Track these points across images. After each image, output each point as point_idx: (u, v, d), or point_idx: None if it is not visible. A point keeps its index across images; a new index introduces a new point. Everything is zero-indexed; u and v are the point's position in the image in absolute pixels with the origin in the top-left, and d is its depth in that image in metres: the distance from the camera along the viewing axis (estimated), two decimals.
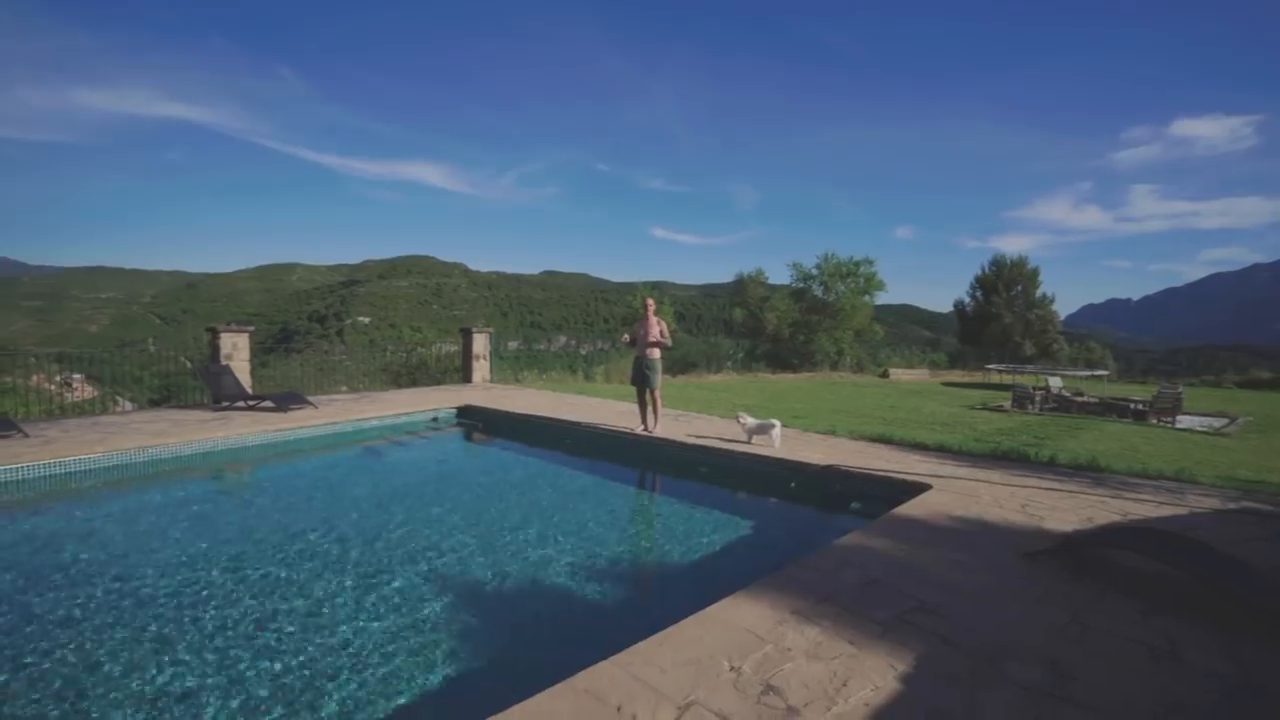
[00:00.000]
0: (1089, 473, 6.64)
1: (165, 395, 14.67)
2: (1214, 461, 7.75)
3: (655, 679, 2.59)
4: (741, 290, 30.43)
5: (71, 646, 3.35)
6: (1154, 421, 12.18)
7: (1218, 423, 12.19)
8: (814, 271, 28.34)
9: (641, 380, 8.21)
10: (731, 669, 2.69)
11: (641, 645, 2.84)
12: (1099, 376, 21.50)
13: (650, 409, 8.31)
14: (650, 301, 8.64)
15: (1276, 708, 2.60)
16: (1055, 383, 16.34)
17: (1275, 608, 3.29)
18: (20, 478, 6.16)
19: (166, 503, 5.98)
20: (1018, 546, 4.26)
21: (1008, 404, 14.32)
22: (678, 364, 21.94)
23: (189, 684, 3.04)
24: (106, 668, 3.16)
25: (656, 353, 8.13)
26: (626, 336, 8.51)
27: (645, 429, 8.35)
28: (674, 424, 8.95)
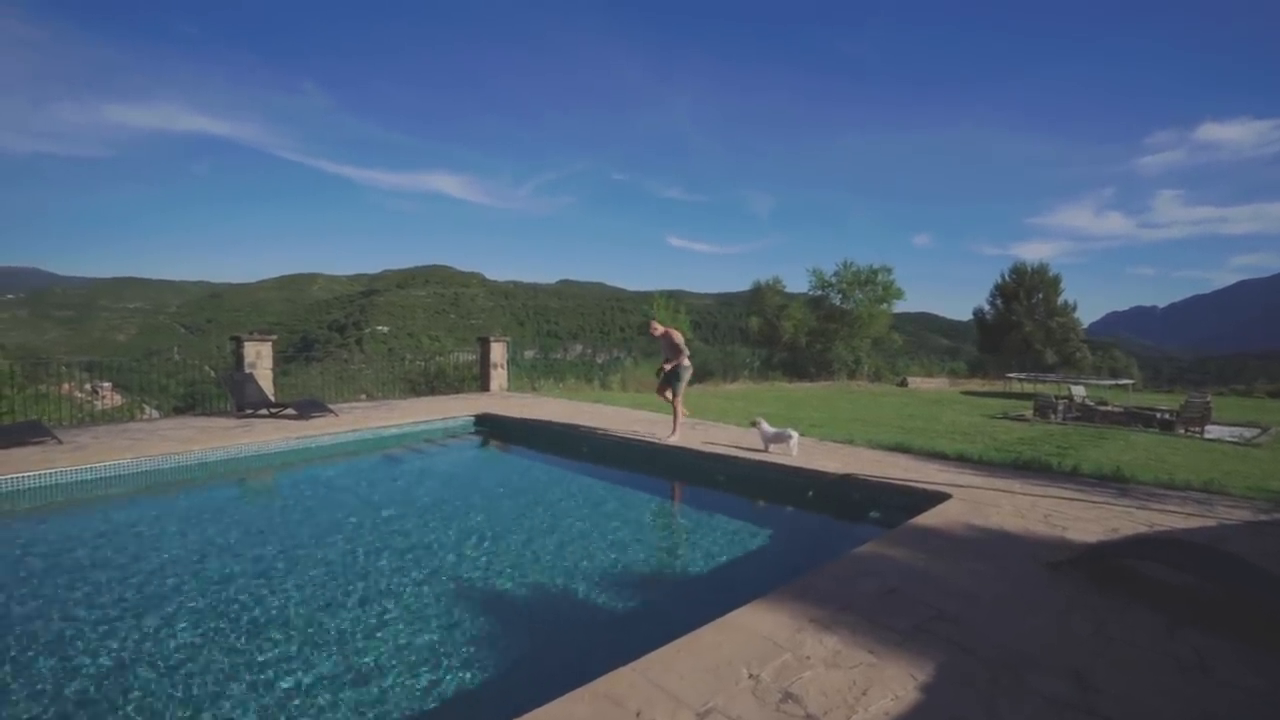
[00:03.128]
0: (1114, 483, 6.53)
1: (190, 403, 14.99)
2: (1245, 472, 7.59)
3: (674, 685, 2.60)
4: (758, 299, 30.39)
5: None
6: (1181, 432, 11.92)
7: (1249, 433, 11.90)
8: (832, 279, 28.24)
9: (663, 385, 8.47)
10: (750, 676, 2.69)
11: (660, 651, 2.85)
12: (1124, 386, 21.10)
13: (672, 415, 8.51)
14: (654, 324, 8.70)
15: None
16: (1079, 392, 16.08)
17: None
18: (55, 482, 6.33)
19: (196, 506, 6.12)
20: (1039, 557, 4.21)
21: (1029, 413, 14.12)
22: (694, 373, 21.92)
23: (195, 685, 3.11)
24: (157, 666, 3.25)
25: (673, 365, 8.27)
26: (668, 365, 8.41)
27: (664, 437, 8.44)
28: (690, 432, 8.95)
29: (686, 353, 8.30)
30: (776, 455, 7.35)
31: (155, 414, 12.78)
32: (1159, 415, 12.77)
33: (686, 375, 8.33)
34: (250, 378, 10.45)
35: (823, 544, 5.66)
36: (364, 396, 14.21)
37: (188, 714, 2.88)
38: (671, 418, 8.58)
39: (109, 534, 5.35)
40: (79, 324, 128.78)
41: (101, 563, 4.66)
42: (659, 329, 8.53)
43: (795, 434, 7.46)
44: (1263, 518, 5.33)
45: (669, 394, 8.40)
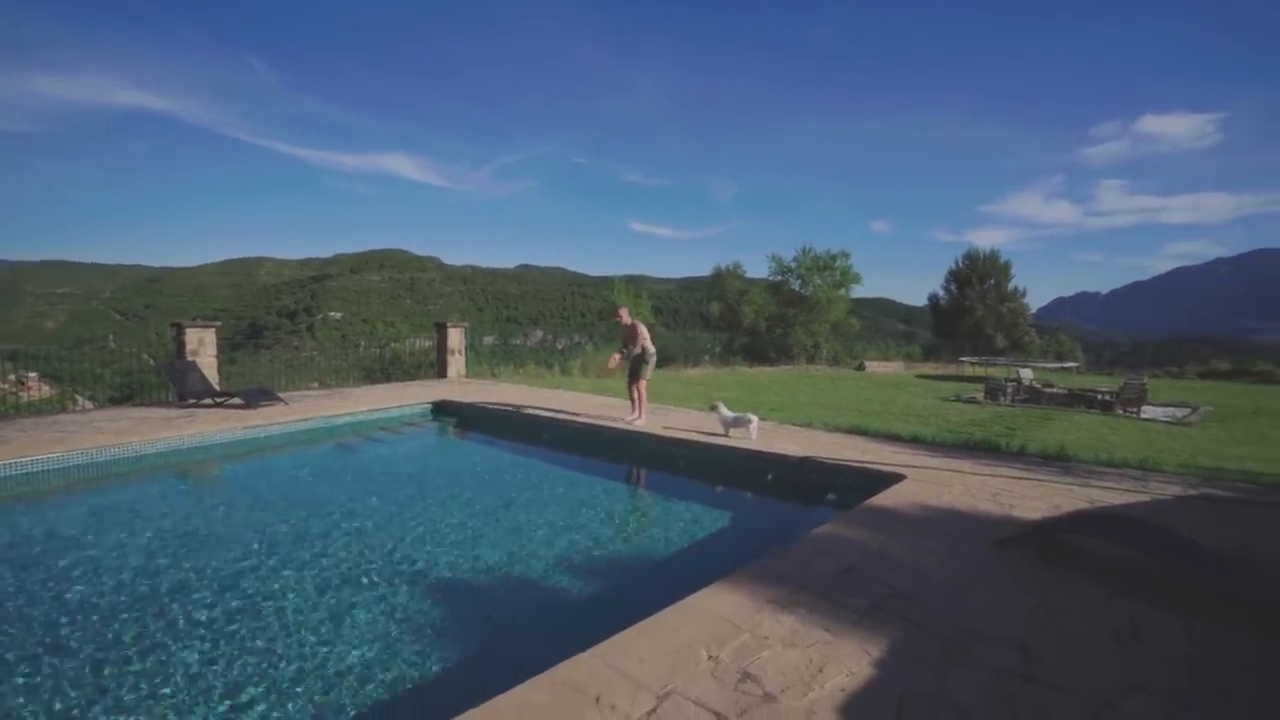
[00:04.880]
0: (1058, 462, 6.80)
1: (127, 393, 14.26)
2: (1176, 450, 8.00)
3: (634, 669, 2.58)
4: (719, 284, 30.55)
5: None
6: (1120, 412, 12.52)
7: (1180, 413, 12.57)
8: (792, 265, 28.55)
9: (632, 375, 8.61)
10: (710, 658, 2.70)
11: (620, 636, 2.84)
12: (1068, 369, 22.03)
13: (636, 401, 8.61)
14: (622, 311, 8.83)
15: (1233, 685, 2.69)
16: (1026, 375, 16.70)
17: (1233, 591, 3.41)
18: None
19: (129, 502, 5.82)
20: (988, 534, 4.35)
21: (980, 396, 14.61)
22: (656, 358, 21.94)
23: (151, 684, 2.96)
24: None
25: (635, 352, 8.49)
26: (618, 357, 8.80)
27: (631, 419, 8.54)
28: (651, 417, 8.95)
29: (648, 342, 8.46)
30: (736, 439, 7.41)
31: (89, 405, 12.13)
32: (1100, 397, 13.37)
33: (652, 362, 8.59)
34: (192, 366, 9.98)
35: (782, 526, 5.74)
36: (316, 385, 13.76)
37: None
38: (635, 401, 8.65)
39: (30, 533, 5.04)
40: (0, 310, 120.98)
41: (17, 564, 4.39)
42: (628, 319, 8.63)
43: (754, 418, 7.55)
44: (1191, 492, 5.63)
45: (638, 384, 8.55)
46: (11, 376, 14.71)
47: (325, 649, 3.30)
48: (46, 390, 14.99)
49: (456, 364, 14.54)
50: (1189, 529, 4.32)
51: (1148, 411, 12.44)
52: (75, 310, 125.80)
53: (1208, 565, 3.59)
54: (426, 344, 16.41)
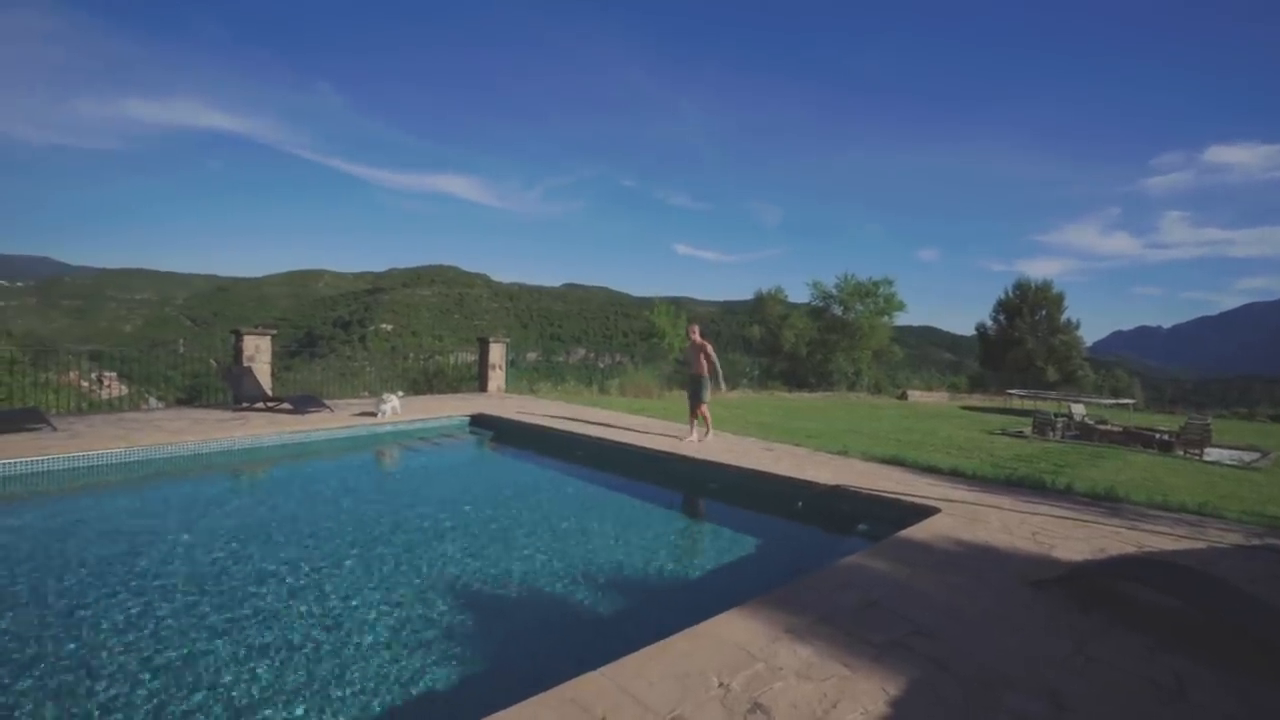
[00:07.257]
0: (1106, 502, 6.48)
1: (193, 394, 15.04)
2: (1241, 496, 7.51)
3: (642, 692, 2.58)
4: (760, 307, 30.34)
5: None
6: (1180, 453, 11.83)
7: (1248, 456, 11.81)
8: (833, 291, 28.21)
9: (693, 397, 8.97)
10: (720, 685, 2.67)
11: (632, 657, 2.84)
12: (1125, 405, 20.98)
13: (699, 421, 8.98)
14: (694, 328, 9.31)
15: None
16: (1078, 410, 15.98)
17: None
18: (45, 469, 6.35)
19: (178, 498, 6.13)
20: (1024, 574, 4.17)
21: (1028, 430, 14.04)
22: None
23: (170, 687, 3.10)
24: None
25: (702, 375, 8.88)
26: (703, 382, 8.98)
27: (694, 438, 8.84)
28: (684, 440, 8.93)
29: (707, 367, 8.87)
30: (768, 464, 7.32)
31: (158, 404, 12.83)
32: (1158, 436, 12.67)
33: (709, 384, 9.02)
34: (248, 371, 10.47)
35: (808, 554, 5.62)
36: (366, 393, 14.22)
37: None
38: (695, 423, 9.01)
39: (85, 523, 5.35)
40: (86, 314, 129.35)
41: (59, 554, 4.66)
42: (699, 339, 9.02)
43: (393, 398, 9.38)
44: (1254, 541, 5.29)
45: (702, 408, 8.89)
46: (93, 375, 15.76)
47: (335, 656, 3.38)
48: (122, 389, 15.96)
49: (497, 379, 14.83)
50: (1248, 580, 4.06)
51: (1211, 454, 11.72)
52: (151, 315, 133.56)
53: (1264, 619, 3.36)
54: (470, 358, 16.80)
